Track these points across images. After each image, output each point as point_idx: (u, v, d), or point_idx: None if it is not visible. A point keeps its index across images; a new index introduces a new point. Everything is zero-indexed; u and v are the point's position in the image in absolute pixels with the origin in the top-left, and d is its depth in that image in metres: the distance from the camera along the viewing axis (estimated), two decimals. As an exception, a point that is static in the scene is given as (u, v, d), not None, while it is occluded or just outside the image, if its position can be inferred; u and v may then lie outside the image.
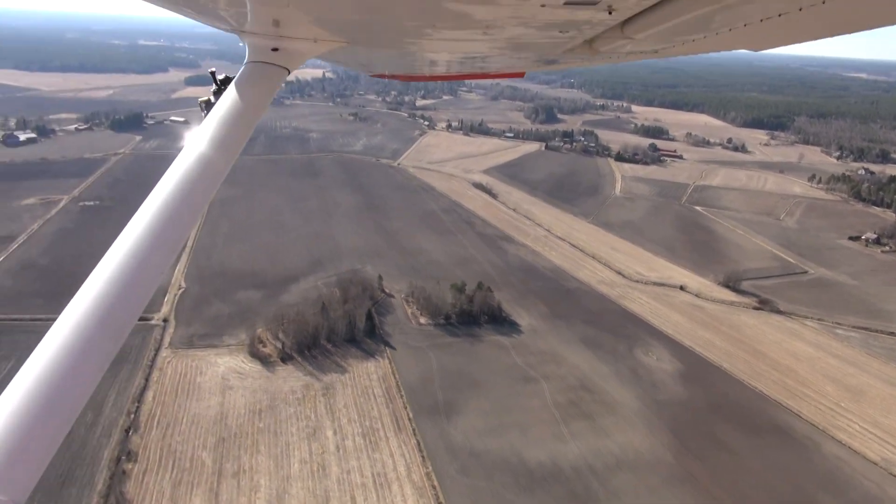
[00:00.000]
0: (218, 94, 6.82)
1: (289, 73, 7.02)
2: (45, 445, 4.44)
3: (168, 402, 65.86)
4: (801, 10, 4.06)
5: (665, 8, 4.51)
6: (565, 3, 4.59)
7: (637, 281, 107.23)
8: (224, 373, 71.71)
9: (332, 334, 79.59)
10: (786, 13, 4.21)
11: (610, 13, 4.75)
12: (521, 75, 12.29)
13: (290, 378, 71.51)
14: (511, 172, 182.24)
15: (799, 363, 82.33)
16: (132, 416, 63.15)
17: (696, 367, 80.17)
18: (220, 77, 7.13)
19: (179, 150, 5.92)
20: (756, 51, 5.56)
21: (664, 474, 59.93)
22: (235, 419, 63.94)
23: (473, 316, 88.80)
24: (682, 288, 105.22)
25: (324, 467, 58.12)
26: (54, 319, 4.76)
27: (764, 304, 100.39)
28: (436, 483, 57.09)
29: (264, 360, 74.51)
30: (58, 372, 4.59)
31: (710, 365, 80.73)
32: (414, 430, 63.76)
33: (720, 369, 79.76)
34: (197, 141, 6.08)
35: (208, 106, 6.76)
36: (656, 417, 68.54)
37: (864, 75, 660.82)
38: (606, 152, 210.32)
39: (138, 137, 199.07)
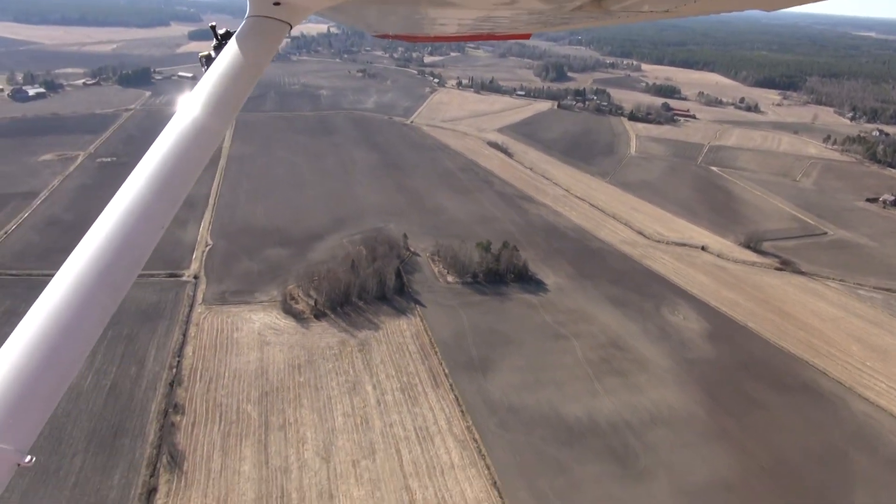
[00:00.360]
0: (218, 48, 6.65)
1: (291, 28, 6.86)
2: (47, 396, 4.50)
3: (208, 357, 66.81)
4: None
5: None
6: None
7: (658, 241, 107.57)
8: (260, 329, 72.54)
9: (362, 292, 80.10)
10: None
11: None
12: (527, 37, 11.80)
13: (326, 334, 72.33)
14: (525, 131, 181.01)
15: (823, 323, 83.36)
16: (174, 370, 64.17)
17: (722, 326, 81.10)
18: (220, 31, 6.96)
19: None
20: (769, 10, 5.26)
21: (699, 430, 61.26)
22: (276, 374, 65.00)
23: (500, 275, 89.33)
24: (703, 248, 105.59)
25: (366, 421, 59.32)
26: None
27: (785, 265, 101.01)
28: (477, 437, 58.34)
29: (298, 317, 75.24)
30: (58, 324, 4.63)
31: (735, 324, 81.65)
32: (451, 385, 64.82)
33: (746, 328, 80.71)
34: (198, 96, 5.97)
35: (209, 61, 6.62)
36: (687, 375, 69.67)
37: (873, 34, 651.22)
38: (619, 111, 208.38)
39: (147, 93, 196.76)
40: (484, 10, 7.24)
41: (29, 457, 4.40)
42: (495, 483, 54.07)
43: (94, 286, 4.84)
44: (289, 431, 57.48)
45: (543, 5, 6.74)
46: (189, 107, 5.91)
